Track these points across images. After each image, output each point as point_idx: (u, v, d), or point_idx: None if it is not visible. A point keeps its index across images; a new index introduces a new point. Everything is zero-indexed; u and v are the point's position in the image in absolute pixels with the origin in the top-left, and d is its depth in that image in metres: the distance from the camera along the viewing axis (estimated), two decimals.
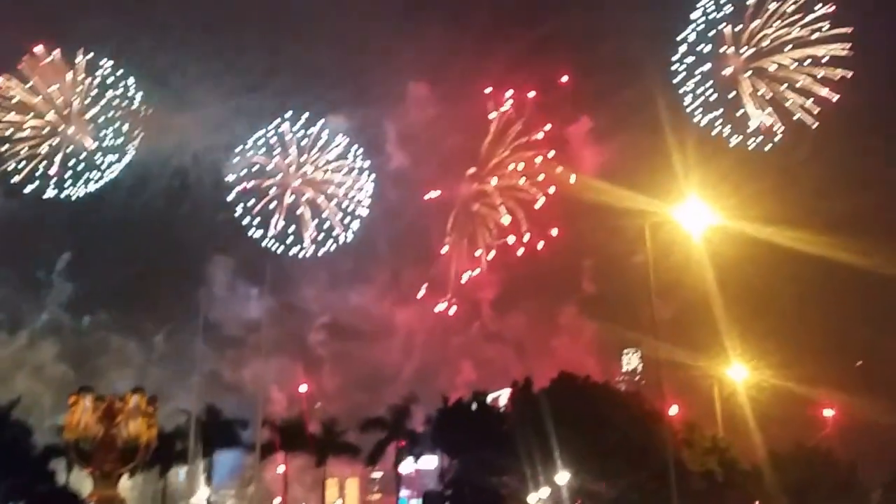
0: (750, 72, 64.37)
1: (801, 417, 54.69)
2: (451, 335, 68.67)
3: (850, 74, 61.34)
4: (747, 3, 63.71)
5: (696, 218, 49.64)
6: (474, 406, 49.69)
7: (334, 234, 67.87)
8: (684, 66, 65.20)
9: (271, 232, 67.57)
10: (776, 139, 63.83)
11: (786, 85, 62.95)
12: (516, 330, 66.77)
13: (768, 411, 53.99)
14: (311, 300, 71.78)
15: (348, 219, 68.16)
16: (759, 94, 64.12)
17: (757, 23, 63.85)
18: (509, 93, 68.17)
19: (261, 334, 51.48)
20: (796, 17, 62.47)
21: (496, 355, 67.54)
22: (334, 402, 61.77)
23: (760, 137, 63.85)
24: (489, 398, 52.49)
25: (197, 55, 68.78)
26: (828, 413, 55.50)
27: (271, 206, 67.84)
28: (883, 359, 55.73)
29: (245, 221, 67.42)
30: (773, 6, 63.20)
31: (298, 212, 67.61)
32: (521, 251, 66.43)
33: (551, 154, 66.82)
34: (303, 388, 59.04)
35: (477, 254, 68.34)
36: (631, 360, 56.21)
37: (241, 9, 69.29)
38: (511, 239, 66.55)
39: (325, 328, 70.39)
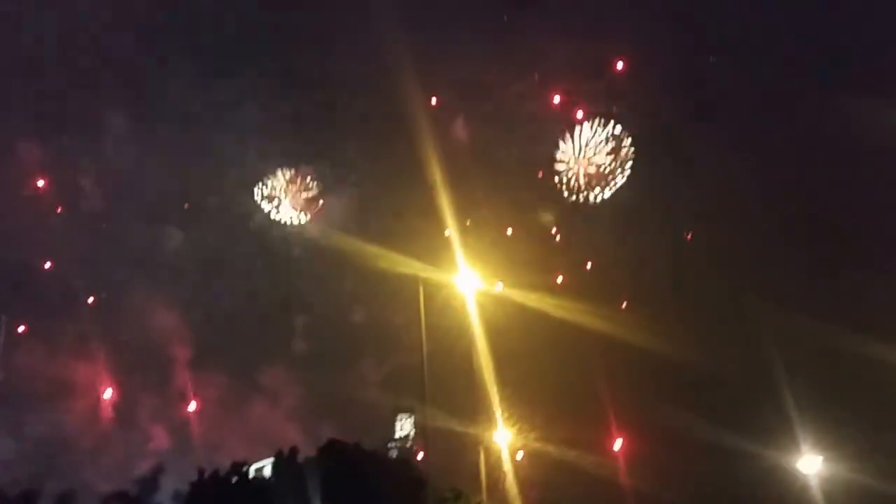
0: None
1: (561, 480, 56.72)
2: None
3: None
4: None
5: (469, 283, 51.76)
6: (234, 479, 46.34)
7: None
8: None
9: None
10: None
11: None
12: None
13: (530, 475, 56.02)
14: None
15: None
16: None
17: None
18: None
19: None
20: None
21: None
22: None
23: None
24: (252, 469, 49.20)
25: None
26: None
27: None
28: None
29: None
30: None
31: None
32: None
33: None
34: None
35: None
36: (404, 426, 55.49)
37: None
38: None
39: None
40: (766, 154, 58.39)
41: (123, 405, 58.82)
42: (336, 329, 61.00)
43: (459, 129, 62.84)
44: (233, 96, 61.87)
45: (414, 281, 53.53)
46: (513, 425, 55.74)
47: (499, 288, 58.25)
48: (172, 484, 47.34)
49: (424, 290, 48.88)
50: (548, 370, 56.98)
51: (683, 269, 59.94)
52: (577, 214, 61.68)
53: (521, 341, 57.06)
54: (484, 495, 50.09)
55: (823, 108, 55.18)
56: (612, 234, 61.83)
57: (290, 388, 59.39)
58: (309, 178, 63.18)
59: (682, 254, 60.99)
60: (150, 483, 46.62)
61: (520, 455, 56.01)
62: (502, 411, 55.56)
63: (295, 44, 62.36)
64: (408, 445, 59.04)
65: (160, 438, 57.58)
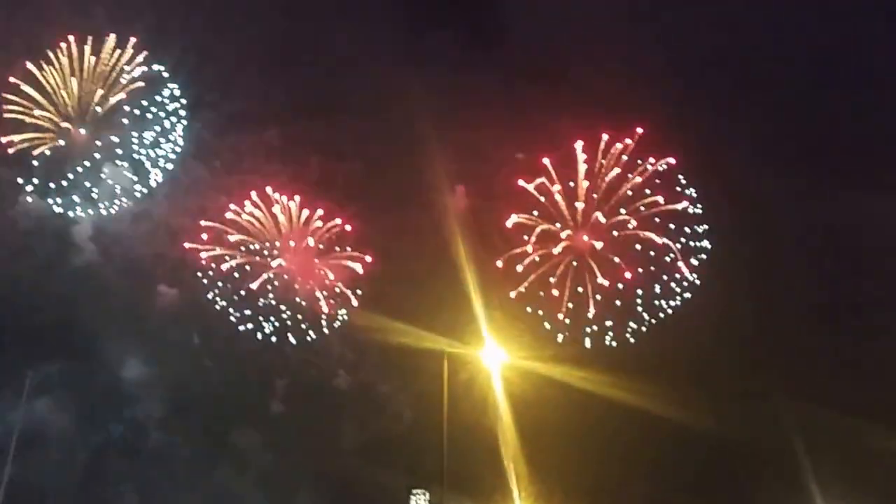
0: None
1: None
2: None
3: None
4: None
5: (493, 357, 51.21)
6: None
7: None
8: None
9: None
10: None
11: None
12: None
13: None
14: None
15: None
16: None
17: None
18: None
19: None
20: None
21: None
22: None
23: None
24: None
25: None
26: None
27: None
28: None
29: None
30: None
31: None
32: None
33: None
34: None
35: None
36: (419, 501, 53.26)
37: None
38: None
39: None
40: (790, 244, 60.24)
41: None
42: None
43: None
44: None
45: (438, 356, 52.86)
46: (532, 502, 54.28)
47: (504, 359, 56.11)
48: None
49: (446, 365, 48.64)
50: (567, 445, 56.66)
51: (711, 348, 59.71)
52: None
53: (540, 416, 57.15)
54: None
55: (839, 200, 57.36)
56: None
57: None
58: None
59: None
60: None
61: None
62: (520, 489, 54.15)
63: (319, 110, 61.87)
64: None
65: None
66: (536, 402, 57.35)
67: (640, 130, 60.75)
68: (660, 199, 60.82)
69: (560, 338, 59.96)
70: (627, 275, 60.03)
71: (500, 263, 60.21)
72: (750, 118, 62.82)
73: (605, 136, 61.79)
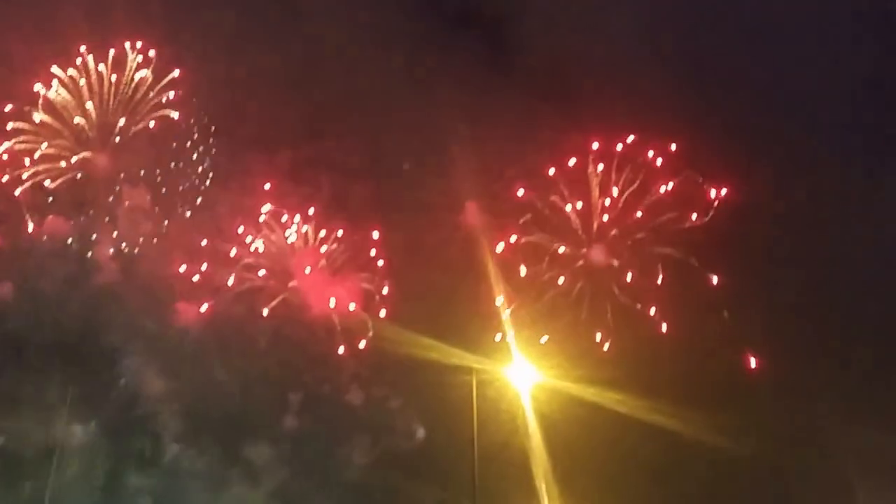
0: None
1: None
2: None
3: None
4: None
5: (523, 376, 51.02)
6: None
7: None
8: None
9: None
10: None
11: None
12: None
13: None
14: None
15: None
16: None
17: None
18: None
19: None
20: None
21: None
22: None
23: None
24: None
25: None
26: None
27: None
28: None
29: None
30: None
31: None
32: None
33: None
34: None
35: None
36: None
37: None
38: None
39: None
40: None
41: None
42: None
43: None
44: None
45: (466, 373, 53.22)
46: None
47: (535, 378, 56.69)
48: None
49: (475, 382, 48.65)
50: (600, 467, 56.06)
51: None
52: None
53: (571, 436, 56.38)
54: None
55: None
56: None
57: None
58: None
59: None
60: None
61: None
62: None
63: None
64: None
65: None
66: (566, 421, 56.73)
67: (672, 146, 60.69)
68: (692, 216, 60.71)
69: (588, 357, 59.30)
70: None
71: (523, 270, 60.33)
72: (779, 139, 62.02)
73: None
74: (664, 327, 59.97)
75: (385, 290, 61.60)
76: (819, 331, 58.13)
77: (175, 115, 65.00)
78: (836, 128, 62.65)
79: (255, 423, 60.43)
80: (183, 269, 62.69)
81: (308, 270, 62.34)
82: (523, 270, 60.28)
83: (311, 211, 62.69)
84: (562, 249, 61.24)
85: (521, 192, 62.58)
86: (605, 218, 61.36)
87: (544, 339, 59.10)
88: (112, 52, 64.16)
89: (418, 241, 62.04)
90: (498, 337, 57.97)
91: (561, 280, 60.70)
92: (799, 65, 63.75)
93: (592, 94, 62.69)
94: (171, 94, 64.80)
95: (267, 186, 64.17)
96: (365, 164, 65.71)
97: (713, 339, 58.20)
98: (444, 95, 64.46)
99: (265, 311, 61.30)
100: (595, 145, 62.18)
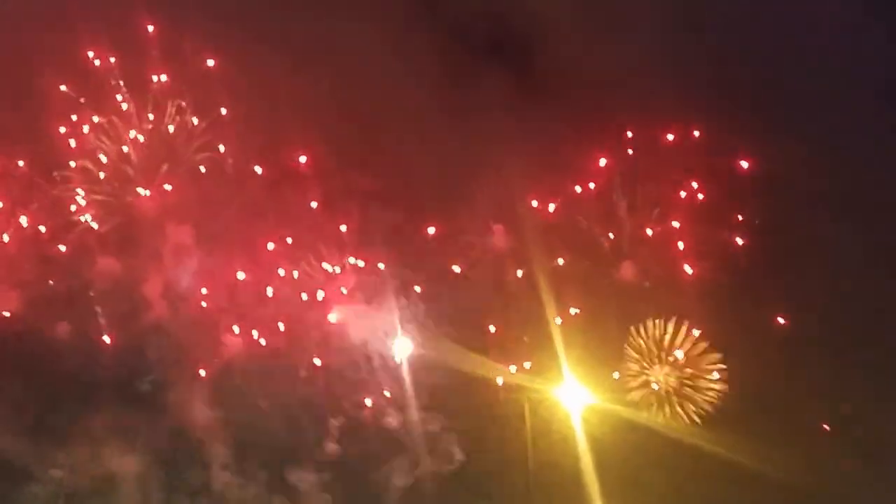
0: None
1: None
2: None
3: None
4: None
5: (575, 397, 51.13)
6: None
7: None
8: None
9: None
10: None
11: None
12: None
13: None
14: None
15: None
16: None
17: None
18: None
19: None
20: None
21: None
22: None
23: None
24: None
25: None
26: None
27: None
28: None
29: None
30: None
31: None
32: None
33: None
34: None
35: None
36: None
37: None
38: None
39: None
40: None
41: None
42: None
43: None
44: None
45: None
46: None
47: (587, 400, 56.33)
48: None
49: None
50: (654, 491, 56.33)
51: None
52: None
53: (622, 460, 56.72)
54: None
55: None
56: None
57: None
58: None
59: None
60: None
61: None
62: None
63: None
64: None
65: None
66: (617, 445, 57.03)
67: None
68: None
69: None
70: None
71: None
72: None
73: None
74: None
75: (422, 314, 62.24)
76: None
77: (217, 151, 67.41)
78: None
79: (299, 450, 62.19)
80: (226, 302, 65.15)
81: (344, 293, 63.70)
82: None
83: (345, 240, 63.82)
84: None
85: (551, 208, 63.17)
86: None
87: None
88: (150, 97, 66.71)
89: (448, 265, 63.11)
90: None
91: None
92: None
93: (613, 112, 62.64)
94: (211, 134, 66.99)
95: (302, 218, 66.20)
96: (396, 192, 67.00)
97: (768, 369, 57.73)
98: (471, 122, 65.45)
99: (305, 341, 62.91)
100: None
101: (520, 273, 62.14)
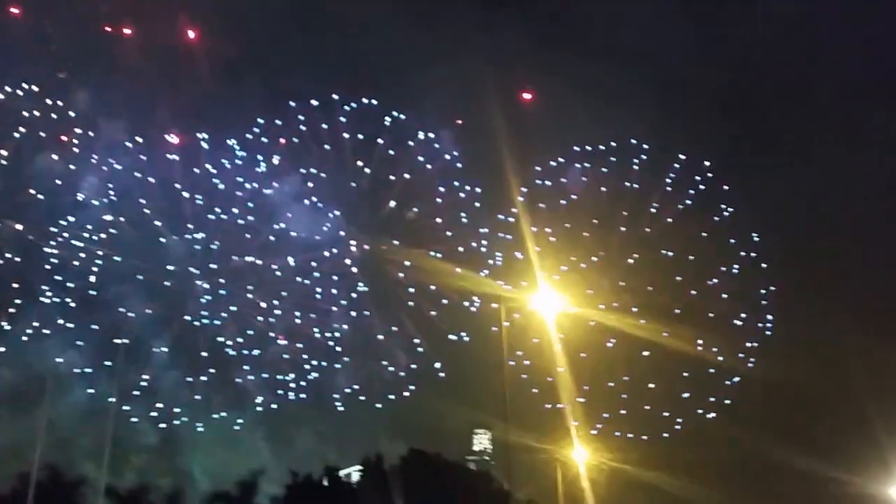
0: None
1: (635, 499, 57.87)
2: None
3: None
4: None
5: (548, 304, 53.37)
6: (325, 482, 49.28)
7: None
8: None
9: None
10: None
11: None
12: None
13: (606, 493, 57.33)
14: None
15: None
16: None
17: None
18: None
19: None
20: None
21: None
22: None
23: None
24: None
25: None
26: None
27: None
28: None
29: None
30: None
31: None
32: None
33: None
34: None
35: None
36: (482, 441, 57.45)
37: None
38: None
39: None
40: None
41: None
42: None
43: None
44: None
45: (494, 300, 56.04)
46: (588, 443, 57.21)
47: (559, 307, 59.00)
48: (269, 487, 50.78)
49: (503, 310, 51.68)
50: (626, 389, 58.81)
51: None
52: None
53: (602, 361, 59.30)
54: None
55: None
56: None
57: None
58: None
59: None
60: (250, 485, 50.24)
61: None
62: (578, 430, 56.91)
63: None
64: (485, 459, 60.79)
65: None
66: (589, 346, 59.24)
67: None
68: None
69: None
70: None
71: None
72: None
73: None
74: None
75: None
76: None
77: None
78: None
79: None
80: None
81: None
82: None
83: None
84: None
85: None
86: None
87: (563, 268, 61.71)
88: None
89: None
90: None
91: None
92: None
93: None
94: None
95: None
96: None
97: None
98: None
99: None
100: None
101: None
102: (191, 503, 50.36)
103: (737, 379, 60.70)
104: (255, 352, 59.60)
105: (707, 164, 64.98)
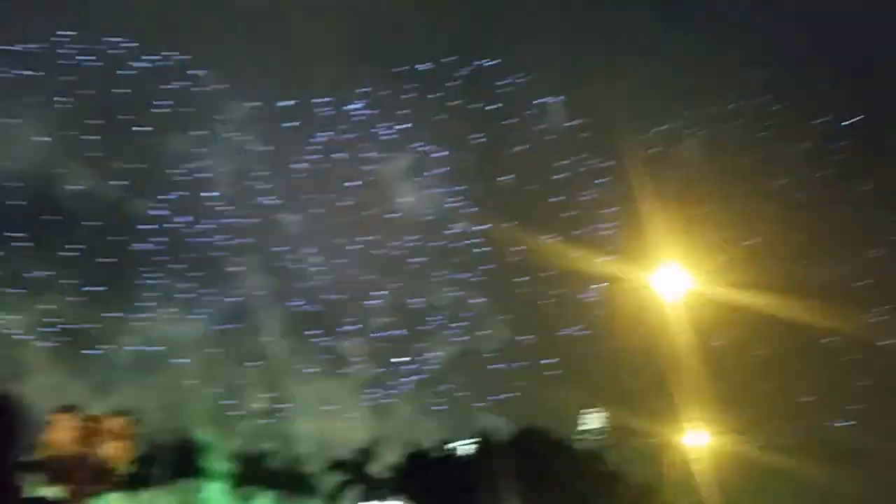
0: None
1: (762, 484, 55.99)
2: None
3: None
4: None
5: (671, 283, 51.65)
6: (440, 454, 50.60)
7: None
8: None
9: None
10: None
11: None
12: None
13: (728, 478, 55.73)
14: None
15: None
16: None
17: None
18: None
19: None
20: None
21: None
22: None
23: None
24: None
25: None
26: None
27: None
28: None
29: None
30: None
31: None
32: None
33: None
34: None
35: None
36: (591, 421, 56.79)
37: None
38: None
39: None
40: None
41: None
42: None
43: None
44: None
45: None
46: (709, 427, 55.55)
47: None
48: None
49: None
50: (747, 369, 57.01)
51: None
52: None
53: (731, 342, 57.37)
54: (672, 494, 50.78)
55: None
56: None
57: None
58: None
59: None
60: (368, 453, 52.20)
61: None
62: (696, 412, 55.39)
63: None
64: (596, 439, 60.12)
65: None
66: (717, 328, 56.73)
67: None
68: None
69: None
70: None
71: None
72: None
73: None
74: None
75: None
76: None
77: None
78: None
79: None
80: None
81: None
82: None
83: None
84: None
85: None
86: None
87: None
88: None
89: None
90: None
91: None
92: None
93: None
94: None
95: None
96: None
97: None
98: None
99: None
100: None
101: None
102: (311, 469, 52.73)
103: None
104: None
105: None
